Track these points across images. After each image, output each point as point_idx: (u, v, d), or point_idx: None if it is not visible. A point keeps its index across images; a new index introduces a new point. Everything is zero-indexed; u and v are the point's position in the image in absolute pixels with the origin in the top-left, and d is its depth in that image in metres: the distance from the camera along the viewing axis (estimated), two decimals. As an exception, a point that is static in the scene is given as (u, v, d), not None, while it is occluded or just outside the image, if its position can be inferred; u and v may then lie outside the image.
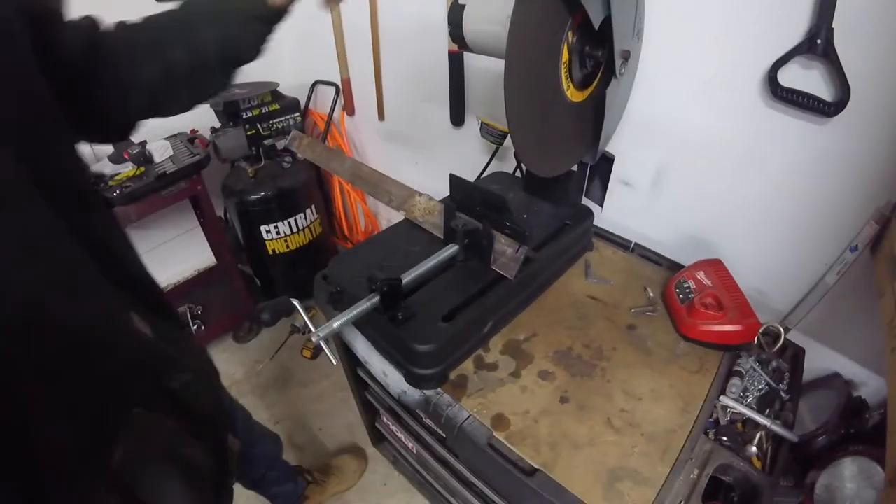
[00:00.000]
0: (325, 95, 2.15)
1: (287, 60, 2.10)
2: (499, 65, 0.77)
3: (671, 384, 0.88)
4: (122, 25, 0.66)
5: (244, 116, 1.78)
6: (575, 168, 1.11)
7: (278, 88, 1.89)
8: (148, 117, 0.69)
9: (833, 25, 0.82)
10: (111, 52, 0.63)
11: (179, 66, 0.65)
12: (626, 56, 0.91)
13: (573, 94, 0.95)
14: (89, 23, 0.64)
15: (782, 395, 0.88)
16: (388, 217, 2.38)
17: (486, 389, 0.87)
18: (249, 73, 2.10)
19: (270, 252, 2.01)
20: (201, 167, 1.70)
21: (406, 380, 0.88)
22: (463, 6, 0.85)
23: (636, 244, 1.22)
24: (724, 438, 0.79)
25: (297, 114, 1.97)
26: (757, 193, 1.06)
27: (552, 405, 0.84)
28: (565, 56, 0.86)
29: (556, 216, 1.16)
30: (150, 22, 0.67)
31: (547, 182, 1.12)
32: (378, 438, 1.57)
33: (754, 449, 0.78)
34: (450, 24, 0.87)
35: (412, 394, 0.89)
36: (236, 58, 0.71)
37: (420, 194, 1.11)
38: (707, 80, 1.02)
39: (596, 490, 0.71)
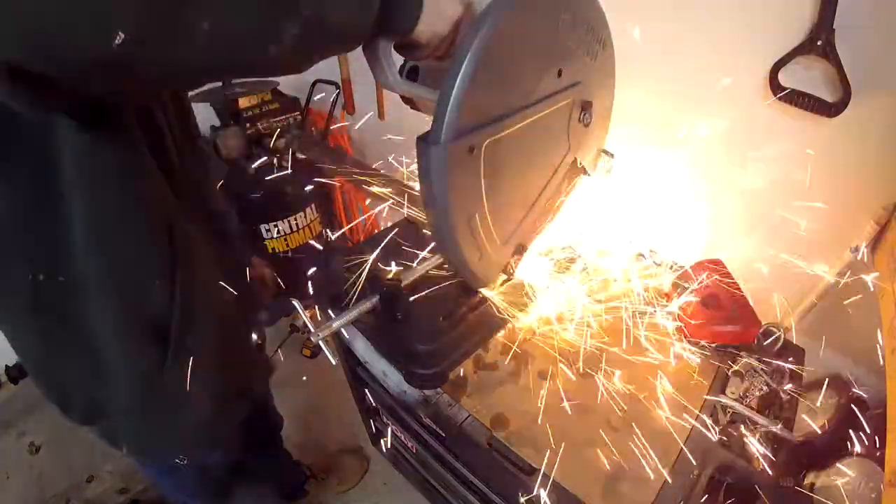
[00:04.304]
0: (326, 94, 2.15)
1: (287, 59, 2.09)
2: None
3: (671, 383, 0.87)
4: None
5: (244, 115, 1.78)
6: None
7: (278, 87, 1.89)
8: None
9: (834, 26, 0.82)
10: None
11: None
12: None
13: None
14: None
15: (782, 395, 0.88)
16: (388, 217, 2.38)
17: (485, 389, 0.87)
18: (249, 73, 2.08)
19: (270, 251, 2.01)
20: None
21: (406, 380, 0.88)
22: None
23: (636, 244, 1.21)
24: (724, 438, 0.79)
25: (297, 113, 1.96)
26: (757, 193, 1.06)
27: (552, 405, 0.84)
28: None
29: (557, 216, 1.15)
30: None
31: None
32: (378, 438, 1.57)
33: (754, 449, 0.78)
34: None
35: (412, 394, 0.89)
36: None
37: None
38: (708, 79, 1.02)
39: (595, 490, 0.71)
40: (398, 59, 0.71)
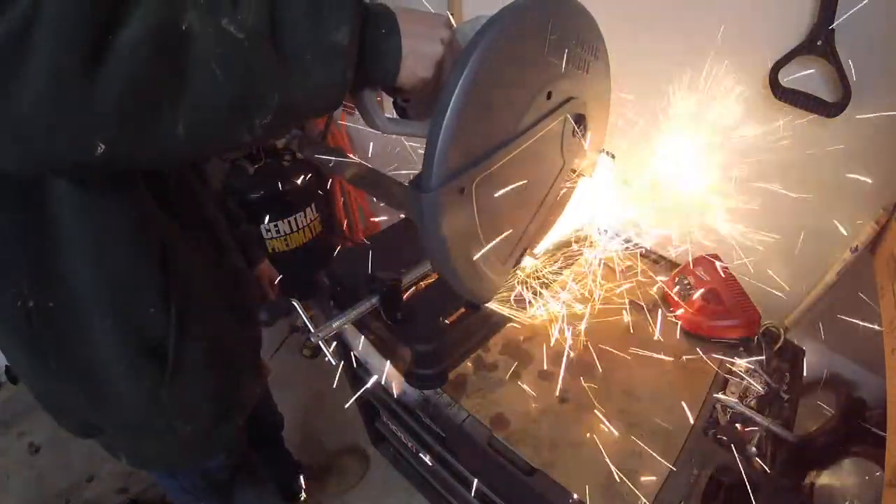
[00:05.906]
0: (325, 95, 2.15)
1: (287, 60, 2.09)
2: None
3: (671, 383, 0.88)
4: None
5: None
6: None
7: (278, 88, 1.89)
8: None
9: (834, 26, 0.82)
10: None
11: None
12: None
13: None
14: None
15: (782, 395, 0.88)
16: (388, 217, 2.38)
17: (485, 389, 0.87)
18: (249, 73, 2.10)
19: (270, 251, 2.01)
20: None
21: (406, 380, 0.88)
22: None
23: (636, 242, 1.21)
24: (724, 438, 0.79)
25: (297, 113, 1.96)
26: (757, 193, 1.06)
27: (552, 405, 0.84)
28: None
29: (557, 216, 1.15)
30: None
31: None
32: (378, 438, 1.57)
33: (754, 449, 0.78)
34: None
35: (412, 394, 0.89)
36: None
37: (420, 194, 1.11)
38: (708, 79, 1.02)
39: (596, 490, 0.71)
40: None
